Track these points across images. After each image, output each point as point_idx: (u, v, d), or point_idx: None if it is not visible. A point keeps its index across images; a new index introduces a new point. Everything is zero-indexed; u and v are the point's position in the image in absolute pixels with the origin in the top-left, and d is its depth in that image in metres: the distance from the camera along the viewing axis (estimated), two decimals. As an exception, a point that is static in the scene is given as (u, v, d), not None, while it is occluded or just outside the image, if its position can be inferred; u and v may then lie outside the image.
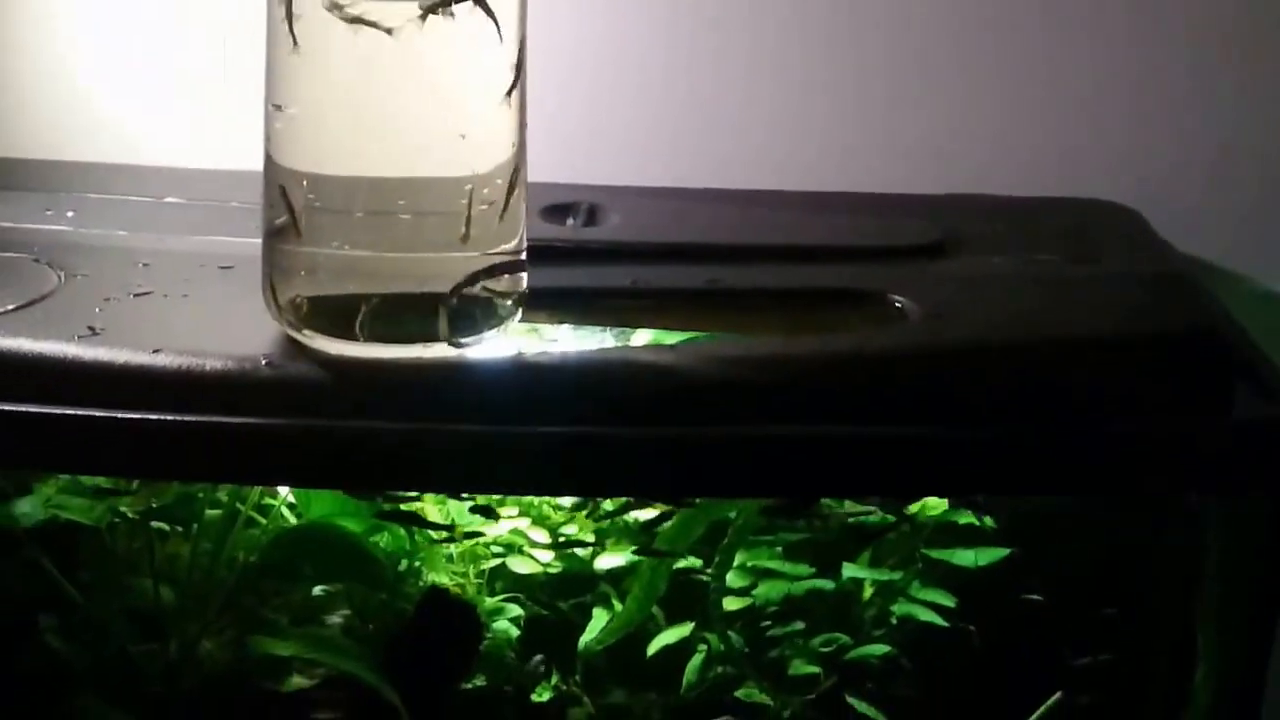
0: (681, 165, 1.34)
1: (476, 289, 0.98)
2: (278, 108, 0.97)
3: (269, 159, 0.98)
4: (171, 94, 1.36)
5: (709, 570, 1.22)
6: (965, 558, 1.20)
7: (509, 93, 0.98)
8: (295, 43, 0.95)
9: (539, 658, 1.23)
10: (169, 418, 0.95)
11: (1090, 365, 1.01)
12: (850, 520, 1.23)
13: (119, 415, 0.95)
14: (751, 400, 0.98)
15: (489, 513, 1.20)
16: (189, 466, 1.00)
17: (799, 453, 0.98)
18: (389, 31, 0.93)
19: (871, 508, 1.22)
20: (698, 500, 1.18)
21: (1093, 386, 1.00)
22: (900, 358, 1.01)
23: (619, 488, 1.09)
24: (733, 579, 1.22)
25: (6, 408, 0.95)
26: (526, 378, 0.97)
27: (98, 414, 0.95)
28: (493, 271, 0.98)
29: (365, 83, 0.95)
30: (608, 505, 1.21)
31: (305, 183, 0.97)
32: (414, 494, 1.18)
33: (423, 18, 0.93)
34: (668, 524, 1.20)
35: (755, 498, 1.17)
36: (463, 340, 0.97)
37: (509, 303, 0.99)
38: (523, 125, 1.00)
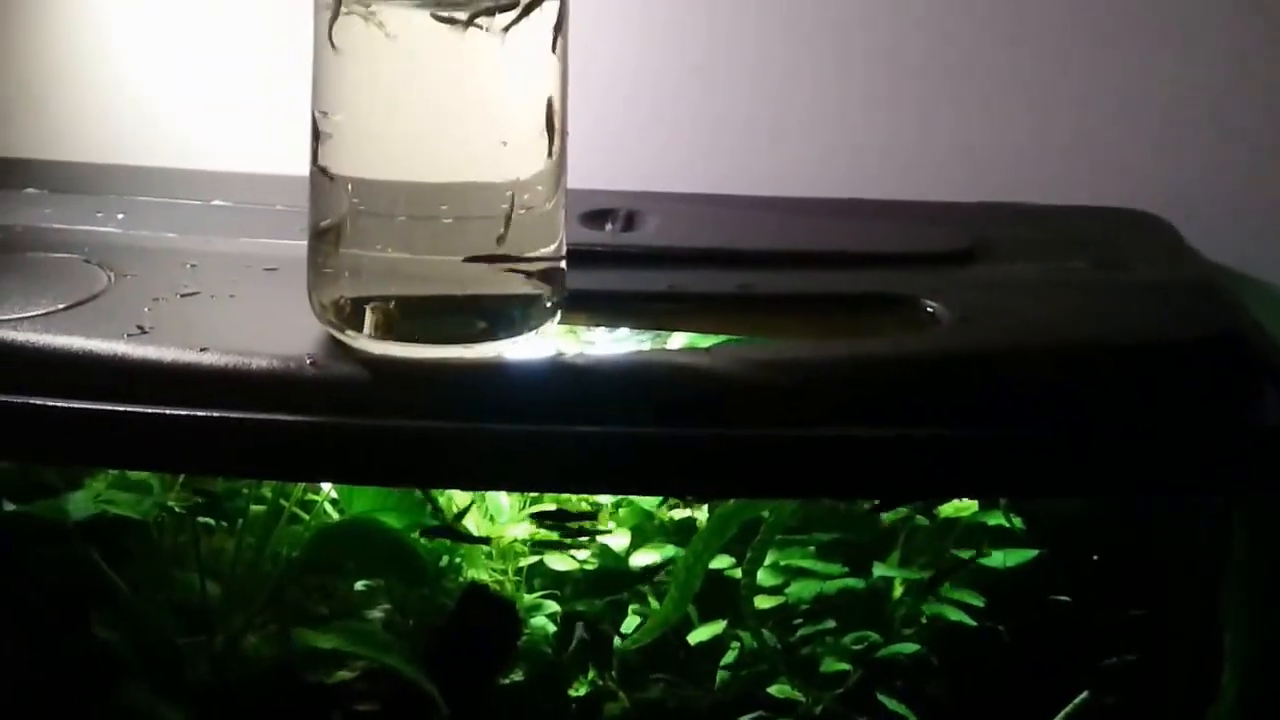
0: (718, 173, 1.36)
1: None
2: (323, 114, 0.99)
3: (314, 164, 1.00)
4: (220, 100, 1.38)
5: (740, 567, 1.23)
6: (994, 558, 1.22)
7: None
8: (334, 48, 0.97)
9: (580, 630, 1.24)
10: (215, 415, 0.96)
11: (1118, 370, 1.02)
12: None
13: (167, 412, 0.97)
14: (784, 402, 0.99)
15: (568, 517, 1.22)
16: (235, 463, 1.02)
17: (831, 454, 0.99)
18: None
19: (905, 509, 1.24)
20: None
21: (1121, 391, 1.01)
22: (931, 361, 1.02)
23: (654, 487, 1.11)
24: (766, 578, 1.24)
25: (57, 404, 0.97)
26: (565, 378, 0.99)
27: (146, 411, 0.97)
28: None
29: (408, 90, 0.97)
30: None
31: (350, 187, 0.98)
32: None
33: (465, 27, 0.95)
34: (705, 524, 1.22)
35: (788, 499, 1.18)
36: (499, 339, 0.99)
37: (548, 304, 1.01)
38: (563, 132, 1.01)
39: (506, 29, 0.96)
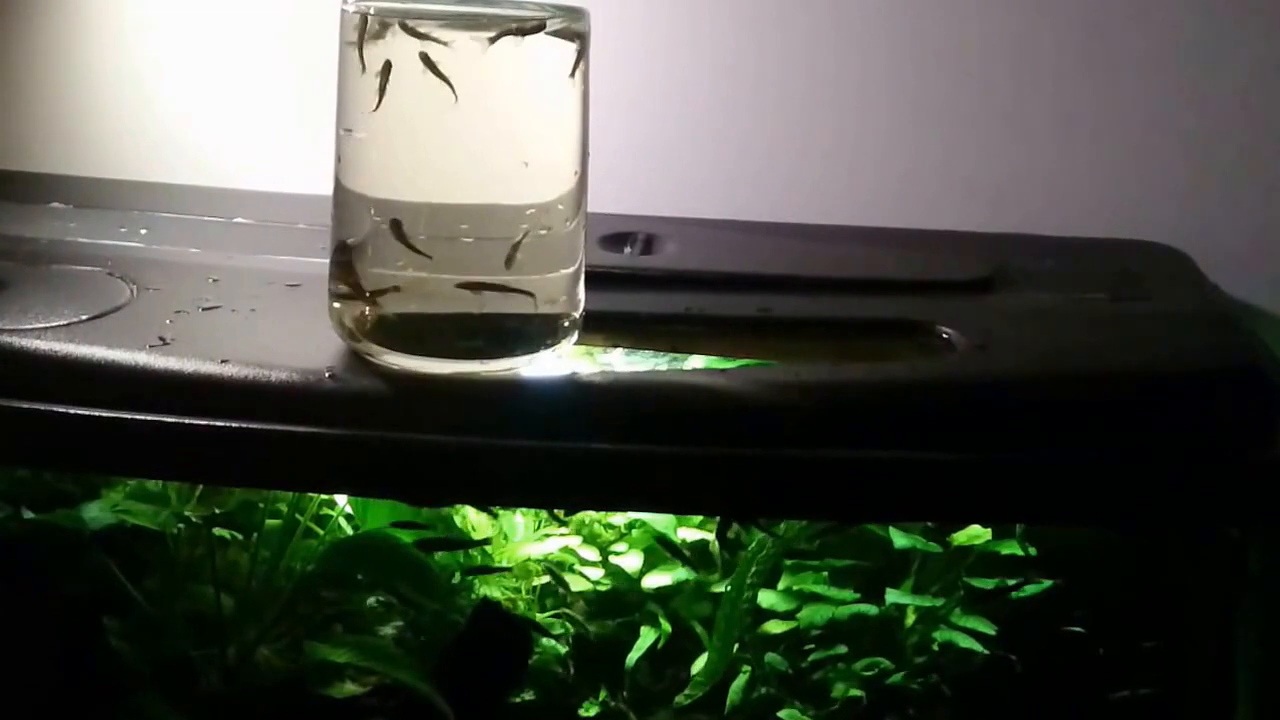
0: (738, 201, 1.36)
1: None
2: (348, 131, 1.00)
3: (338, 182, 1.01)
4: (243, 120, 1.39)
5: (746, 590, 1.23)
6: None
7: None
8: (363, 68, 0.97)
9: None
10: (235, 425, 0.97)
11: (1134, 399, 1.03)
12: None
13: (186, 422, 0.97)
14: (798, 424, 1.00)
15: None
16: (253, 473, 1.03)
17: (845, 476, 1.00)
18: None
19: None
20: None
21: (1136, 420, 1.02)
22: (945, 387, 1.02)
23: (668, 505, 1.11)
24: (779, 602, 1.24)
25: (78, 412, 0.98)
26: (580, 395, 0.99)
27: (166, 420, 0.98)
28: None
29: (431, 110, 0.98)
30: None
31: (372, 206, 0.99)
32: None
33: (492, 41, 0.96)
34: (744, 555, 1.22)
35: (801, 519, 1.18)
36: (516, 357, 1.00)
37: (565, 324, 1.01)
38: (584, 155, 1.02)
39: (493, 40, 0.96)
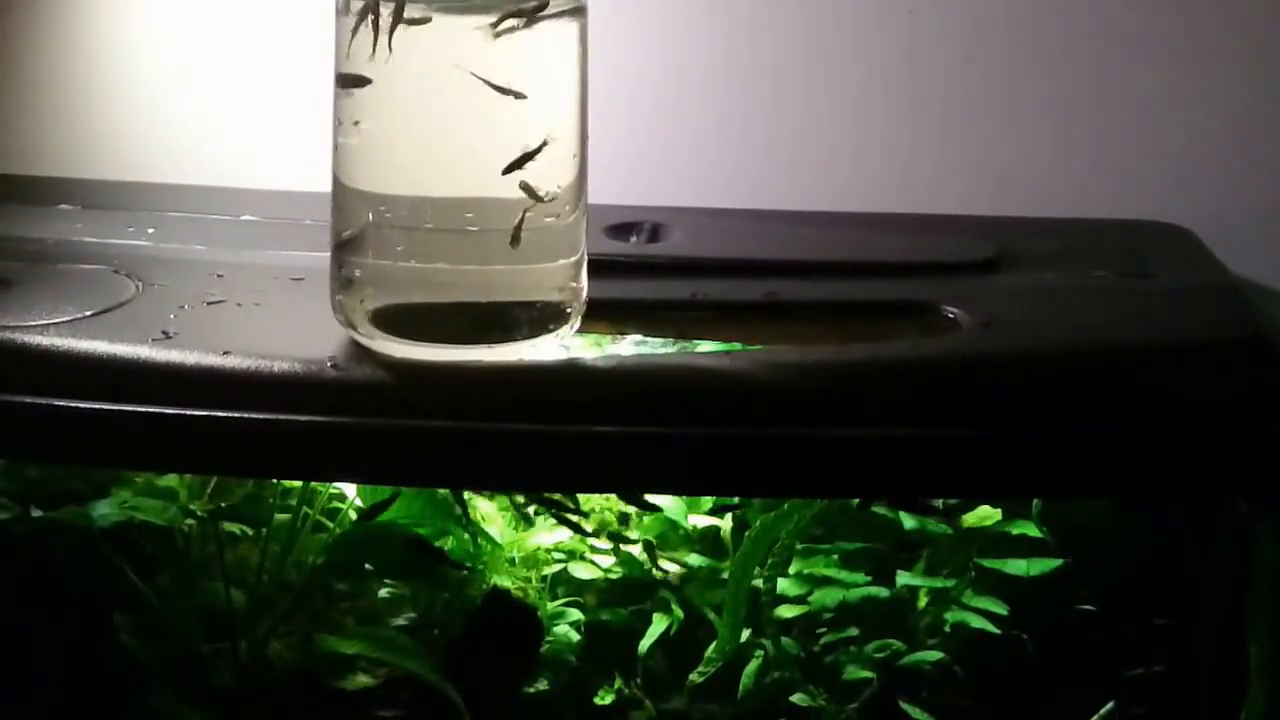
0: (742, 190, 1.36)
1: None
2: (348, 123, 1.00)
3: (336, 173, 1.01)
4: (252, 119, 1.40)
5: (762, 572, 1.23)
6: (1018, 567, 1.21)
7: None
8: (372, 58, 0.97)
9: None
10: (237, 416, 0.97)
11: (1141, 371, 1.02)
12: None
13: (189, 413, 0.98)
14: (803, 403, 1.00)
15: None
16: (256, 463, 1.03)
17: (851, 454, 1.00)
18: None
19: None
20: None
21: (1144, 392, 1.01)
22: (950, 364, 1.03)
23: (675, 487, 1.12)
24: (790, 586, 1.24)
25: (82, 405, 0.99)
26: (584, 379, 0.99)
27: (168, 412, 0.98)
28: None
29: (432, 100, 0.98)
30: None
31: (372, 197, 0.99)
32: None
33: (495, 26, 0.96)
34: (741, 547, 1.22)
35: (809, 498, 1.18)
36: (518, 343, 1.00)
37: (567, 311, 1.02)
38: (584, 139, 1.02)
39: (497, 28, 0.96)
